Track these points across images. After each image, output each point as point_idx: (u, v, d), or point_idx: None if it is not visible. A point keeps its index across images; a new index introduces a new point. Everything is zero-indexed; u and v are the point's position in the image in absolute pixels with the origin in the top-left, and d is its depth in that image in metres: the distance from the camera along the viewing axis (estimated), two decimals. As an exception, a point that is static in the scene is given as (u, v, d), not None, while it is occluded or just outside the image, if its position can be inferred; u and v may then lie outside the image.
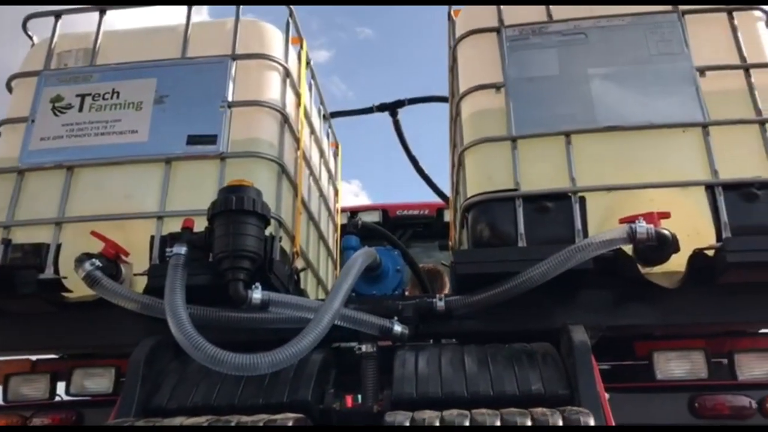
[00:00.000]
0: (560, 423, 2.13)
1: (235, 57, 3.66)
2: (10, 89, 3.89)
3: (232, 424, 2.27)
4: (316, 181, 4.49)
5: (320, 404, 2.76)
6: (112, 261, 3.19)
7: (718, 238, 3.03)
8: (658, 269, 3.13)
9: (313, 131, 4.46)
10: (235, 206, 2.92)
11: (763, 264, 2.87)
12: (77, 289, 3.31)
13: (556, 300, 3.16)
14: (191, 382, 2.80)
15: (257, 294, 2.91)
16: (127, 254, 3.24)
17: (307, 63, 4.37)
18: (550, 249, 2.89)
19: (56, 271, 3.33)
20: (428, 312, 3.13)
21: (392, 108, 5.41)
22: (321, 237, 4.51)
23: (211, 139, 3.47)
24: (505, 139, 3.32)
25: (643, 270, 3.11)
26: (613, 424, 2.35)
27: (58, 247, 3.37)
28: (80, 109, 3.63)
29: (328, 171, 5.05)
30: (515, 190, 3.21)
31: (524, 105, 3.38)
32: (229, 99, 3.55)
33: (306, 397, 2.66)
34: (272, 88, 3.70)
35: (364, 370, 3.02)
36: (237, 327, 2.97)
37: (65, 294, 3.35)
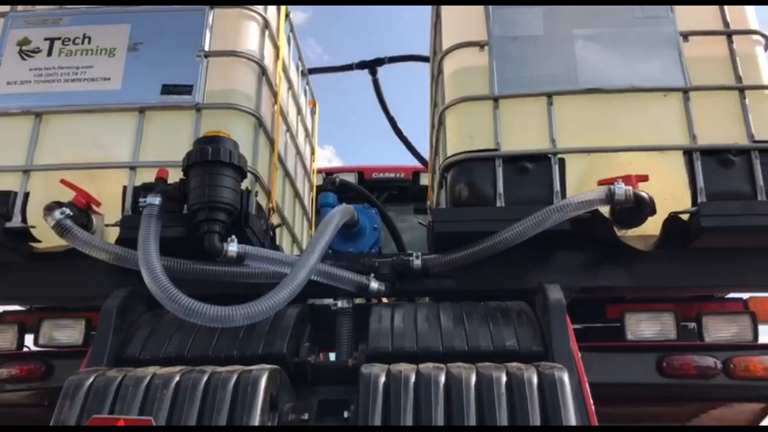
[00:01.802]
0: (535, 377, 2.15)
1: (212, 5, 3.54)
2: (-26, 30, 3.72)
3: (206, 373, 2.24)
4: (293, 138, 4.42)
5: (295, 357, 2.76)
6: (83, 211, 3.11)
7: (694, 202, 3.07)
8: (633, 232, 3.16)
9: (291, 86, 4.37)
10: (211, 157, 2.86)
11: (736, 229, 2.92)
12: (46, 239, 3.23)
13: (532, 260, 3.18)
14: (165, 333, 2.77)
15: (233, 247, 2.87)
16: (98, 204, 3.17)
17: (287, 15, 4.26)
18: (527, 209, 2.89)
19: (24, 220, 3.24)
20: (405, 270, 3.13)
21: (372, 66, 5.32)
22: (297, 195, 4.46)
23: (187, 89, 3.37)
24: (487, 99, 3.29)
25: (619, 233, 3.14)
26: (585, 380, 2.38)
27: (26, 195, 3.27)
28: (49, 54, 3.50)
29: (305, 129, 4.97)
30: (495, 150, 3.19)
31: (507, 64, 3.35)
32: (206, 48, 3.44)
33: (281, 349, 2.64)
34: (251, 39, 3.59)
35: (339, 325, 3.02)
36: (212, 280, 2.94)
37: (34, 244, 3.27)
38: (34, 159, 3.35)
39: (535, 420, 2.05)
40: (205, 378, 2.23)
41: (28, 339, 3.56)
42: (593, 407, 2.30)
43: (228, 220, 2.89)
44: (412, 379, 2.18)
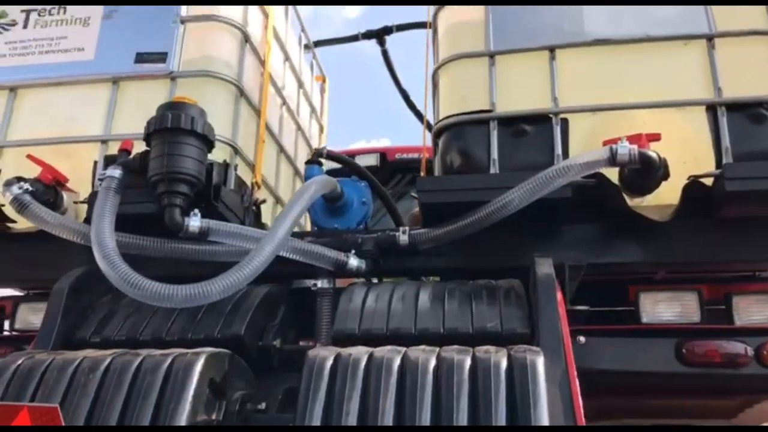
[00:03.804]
0: (504, 362, 1.83)
1: (199, -30, 3.32)
2: (-46, 4, 3.62)
3: (140, 356, 2.01)
4: (291, 113, 4.16)
5: (258, 341, 2.51)
6: (50, 187, 2.95)
7: (718, 164, 2.66)
8: (649, 201, 2.79)
9: (288, 58, 4.12)
10: (171, 124, 2.64)
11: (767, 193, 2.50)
12: (22, 220, 3.08)
13: (534, 235, 2.84)
14: (121, 316, 2.58)
15: (195, 221, 2.64)
16: (65, 180, 2.99)
17: (280, -17, 4.01)
18: (521, 175, 2.56)
19: (-6, 198, 3.10)
20: (391, 246, 2.84)
21: (379, 35, 5.02)
22: (297, 173, 4.21)
23: (161, 57, 3.16)
24: (482, 55, 2.96)
25: (632, 202, 2.77)
26: (574, 367, 2.04)
27: (-2, 172, 3.13)
28: (25, 26, 3.35)
29: (311, 105, 4.71)
30: (490, 111, 2.86)
31: (505, 17, 3.01)
32: (183, 14, 3.22)
33: (239, 331, 2.41)
34: (230, 3, 3.36)
35: (319, 308, 2.77)
36: (180, 258, 2.72)
37: (9, 225, 3.12)
38: (7, 135, 3.21)
39: (500, 410, 1.74)
40: (137, 361, 2.00)
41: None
42: (580, 399, 1.95)
43: (190, 193, 2.67)
44: (362, 363, 1.90)
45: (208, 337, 2.39)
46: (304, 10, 4.44)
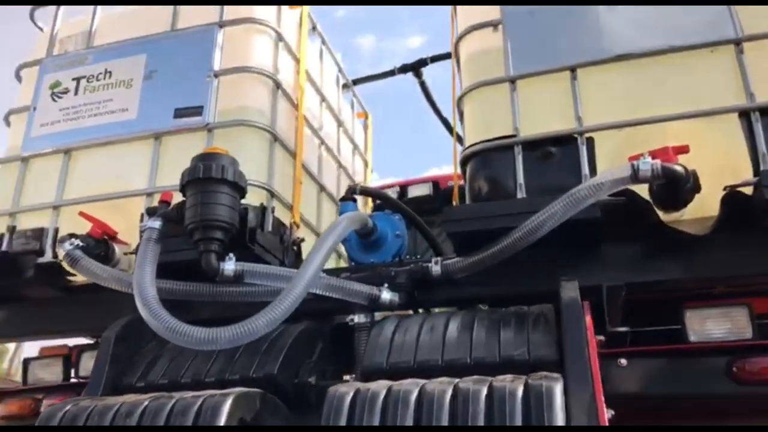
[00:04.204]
0: (520, 390, 1.81)
1: (222, 24, 3.50)
2: (19, 79, 3.93)
3: (173, 399, 2.10)
4: (331, 152, 4.26)
5: (294, 379, 2.56)
6: (101, 241, 3.13)
7: (756, 172, 2.55)
8: (689, 214, 2.70)
9: (324, 99, 4.24)
10: (203, 174, 2.76)
11: (810, 199, 2.38)
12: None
13: (569, 257, 2.79)
14: (165, 359, 2.69)
15: (230, 265, 2.74)
16: (114, 233, 3.17)
17: (313, 28, 4.16)
18: (544, 200, 2.53)
19: (55, 255, 3.31)
20: (424, 277, 2.85)
21: (415, 68, 5.08)
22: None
23: (197, 111, 3.33)
24: (502, 81, 2.97)
25: (669, 217, 2.68)
26: (601, 392, 1.98)
27: (56, 231, 3.35)
28: (75, 92, 3.60)
29: (352, 142, 4.81)
30: (513, 136, 2.85)
31: (524, 42, 3.01)
32: (216, 68, 3.39)
33: (272, 371, 2.47)
34: (261, 54, 3.51)
35: (356, 342, 2.81)
36: (214, 300, 2.82)
37: (70, 278, 3.33)
38: (64, 194, 3.44)
39: (515, 440, 1.71)
40: (170, 404, 2.09)
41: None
42: (606, 424, 1.89)
43: (225, 238, 2.77)
44: (380, 397, 1.91)
45: (243, 377, 2.46)
46: (348, 46, 4.56)
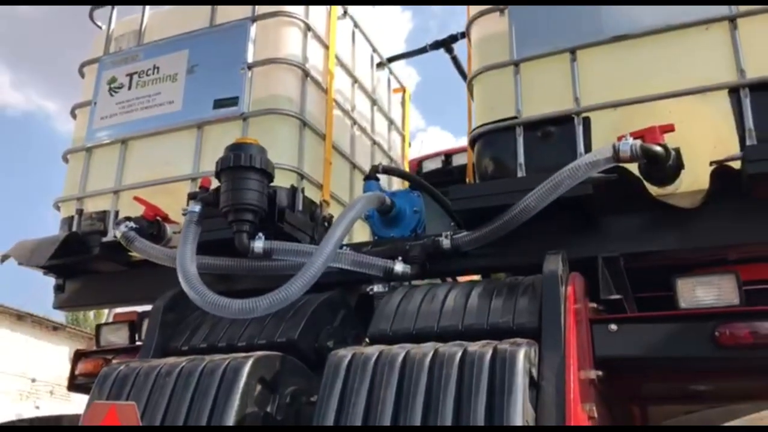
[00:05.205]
0: (489, 354, 2.07)
1: (254, 19, 3.79)
2: (82, 75, 4.37)
3: (205, 361, 2.47)
4: (364, 131, 4.53)
5: (315, 343, 2.90)
6: (153, 222, 3.55)
7: (743, 147, 2.66)
8: (685, 187, 2.84)
9: (356, 81, 4.49)
10: (233, 163, 3.09)
11: (792, 173, 2.48)
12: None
13: (570, 229, 2.99)
14: (206, 326, 3.07)
15: (259, 243, 3.08)
16: (163, 215, 3.57)
17: (344, 13, 4.39)
18: (538, 178, 2.73)
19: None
20: (436, 250, 3.11)
21: (447, 44, 5.23)
22: (376, 184, 4.56)
23: (234, 101, 3.66)
24: (507, 65, 3.14)
25: (664, 190, 2.83)
26: (575, 359, 2.21)
27: (117, 213, 3.79)
28: (129, 87, 4.00)
29: (388, 119, 5.05)
30: (515, 117, 3.04)
31: (528, 26, 3.16)
32: (249, 60, 3.70)
33: (293, 336, 2.80)
34: (291, 44, 3.79)
35: (375, 309, 3.10)
36: (247, 274, 3.19)
37: (131, 254, 3.78)
38: (122, 180, 3.88)
39: (480, 401, 1.98)
40: (202, 366, 2.46)
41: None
42: (574, 385, 2.13)
43: (255, 219, 3.11)
44: (372, 360, 2.21)
45: (270, 341, 2.81)
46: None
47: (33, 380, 21.80)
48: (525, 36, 3.14)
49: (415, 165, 6.00)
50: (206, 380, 2.39)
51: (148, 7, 4.24)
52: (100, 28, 4.48)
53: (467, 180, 3.87)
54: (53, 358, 21.69)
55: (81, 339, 22.58)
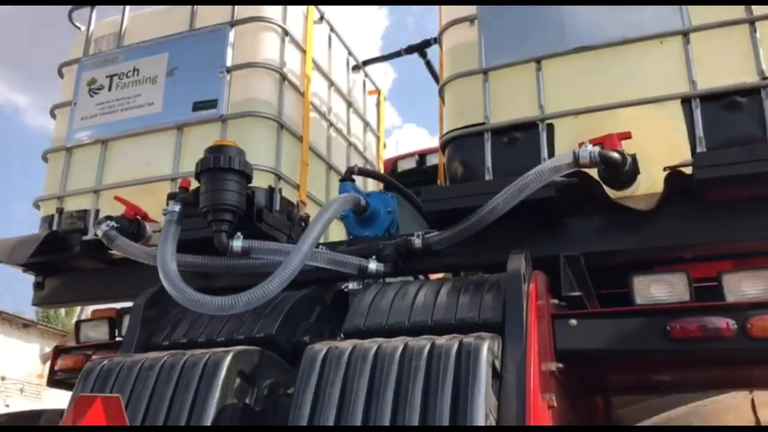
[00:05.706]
0: (455, 347, 2.21)
1: (233, 23, 3.90)
2: (61, 75, 4.43)
3: (186, 355, 2.59)
4: (340, 132, 4.66)
5: (293, 338, 3.03)
6: (133, 221, 3.64)
7: (694, 154, 2.85)
8: (642, 190, 3.02)
9: (333, 84, 4.62)
10: (213, 165, 3.20)
11: (738, 178, 2.68)
12: (121, 248, 3.79)
13: (536, 229, 3.16)
14: (186, 322, 3.18)
15: (237, 242, 3.20)
16: (143, 215, 3.67)
17: (321, 17, 4.51)
18: (503, 182, 2.89)
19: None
20: (408, 249, 3.26)
21: (421, 49, 5.39)
22: (351, 186, 4.70)
23: (213, 104, 3.77)
24: (476, 73, 3.30)
25: (623, 193, 3.01)
26: (534, 353, 2.37)
27: (97, 212, 3.88)
28: (109, 89, 4.08)
29: (363, 121, 5.19)
30: (483, 123, 3.20)
31: (497, 35, 3.32)
32: (228, 64, 3.81)
33: (271, 331, 2.93)
34: (268, 49, 3.90)
35: (350, 306, 3.24)
36: (226, 272, 3.31)
37: (111, 252, 3.86)
38: (102, 180, 3.96)
39: (446, 391, 2.12)
40: (183, 360, 2.57)
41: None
42: (534, 375, 2.29)
43: (234, 219, 3.22)
44: (345, 354, 2.35)
45: (248, 337, 2.93)
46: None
47: (2, 378, 21.55)
48: (494, 45, 3.29)
49: (390, 165, 6.15)
50: (188, 373, 2.50)
51: (128, 10, 4.31)
52: (80, 29, 4.54)
53: (438, 181, 4.02)
54: (23, 355, 21.44)
55: (53, 336, 22.33)
